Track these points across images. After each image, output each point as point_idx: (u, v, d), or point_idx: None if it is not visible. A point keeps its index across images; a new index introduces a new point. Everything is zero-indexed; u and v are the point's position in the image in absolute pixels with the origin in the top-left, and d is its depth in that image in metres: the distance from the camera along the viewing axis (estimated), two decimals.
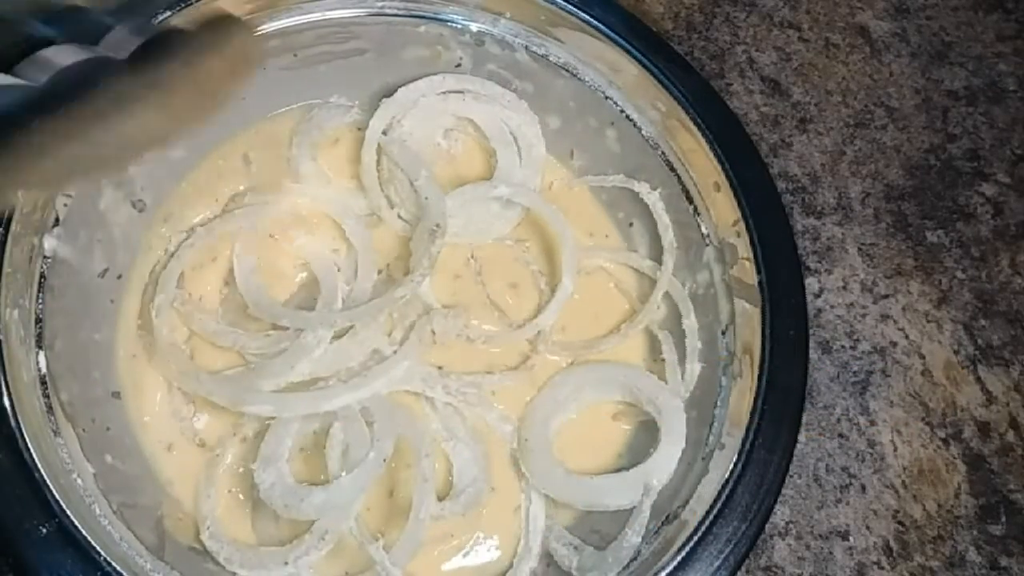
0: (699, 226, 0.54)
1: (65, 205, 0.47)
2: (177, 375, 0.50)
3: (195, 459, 0.50)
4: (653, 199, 0.56)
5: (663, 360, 0.54)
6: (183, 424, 0.50)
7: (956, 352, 0.62)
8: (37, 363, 0.44)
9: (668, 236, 0.56)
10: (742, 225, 0.52)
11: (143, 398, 0.50)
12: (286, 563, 0.45)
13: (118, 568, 0.39)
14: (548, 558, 0.50)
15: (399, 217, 0.57)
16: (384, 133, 0.57)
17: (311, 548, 0.46)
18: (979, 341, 0.63)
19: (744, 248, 0.52)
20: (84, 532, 0.39)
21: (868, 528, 0.55)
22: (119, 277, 0.52)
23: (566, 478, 0.50)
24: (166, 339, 0.50)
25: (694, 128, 0.54)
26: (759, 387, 0.48)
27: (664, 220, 0.56)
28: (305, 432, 0.50)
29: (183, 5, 0.50)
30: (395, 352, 0.51)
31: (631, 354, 0.56)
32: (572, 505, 0.50)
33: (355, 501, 0.47)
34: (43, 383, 0.43)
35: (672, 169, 0.56)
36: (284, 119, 0.59)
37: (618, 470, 0.51)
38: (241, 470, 0.50)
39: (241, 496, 0.49)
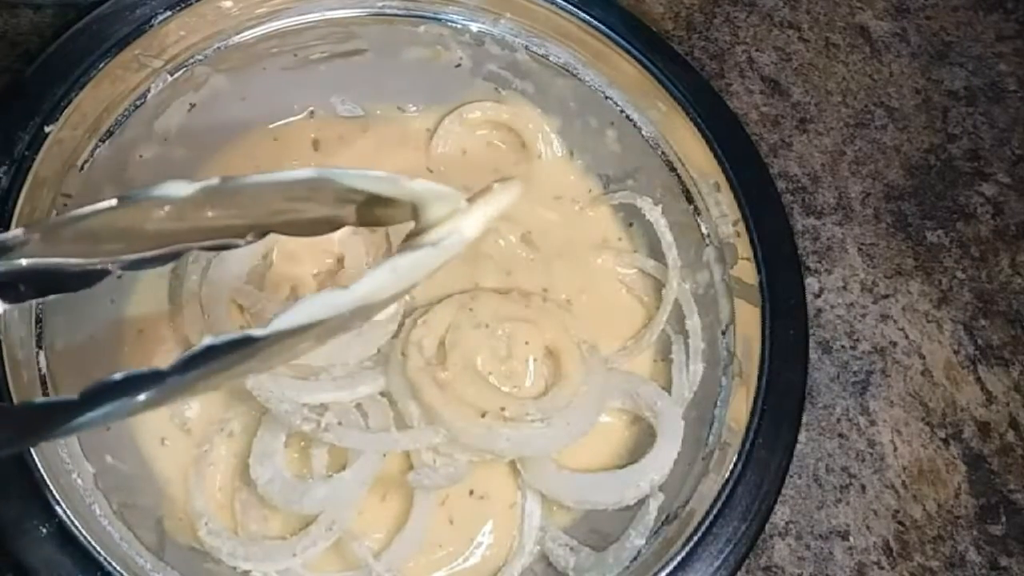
0: (699, 226, 0.54)
1: (65, 205, 0.47)
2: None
3: (188, 455, 0.49)
4: (656, 215, 0.56)
5: (670, 360, 0.54)
6: (173, 410, 0.50)
7: (956, 352, 0.62)
8: (37, 363, 0.43)
9: (672, 254, 0.55)
10: (742, 225, 0.52)
11: None
12: (294, 555, 0.45)
13: (118, 568, 0.39)
14: (546, 559, 0.50)
15: None
16: None
17: (318, 539, 0.45)
18: (979, 341, 0.63)
19: (744, 248, 0.52)
20: (84, 532, 0.39)
21: (868, 528, 0.55)
22: (119, 277, 0.52)
23: (559, 475, 0.50)
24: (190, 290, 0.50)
25: (694, 128, 0.54)
26: (759, 387, 0.48)
27: (668, 238, 0.56)
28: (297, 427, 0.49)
29: (183, 5, 0.50)
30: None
31: (639, 356, 0.56)
32: (563, 502, 0.50)
33: (357, 496, 0.47)
34: (43, 383, 0.43)
35: (672, 169, 0.56)
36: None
37: (614, 469, 0.51)
38: (227, 467, 0.49)
39: (227, 494, 0.49)
